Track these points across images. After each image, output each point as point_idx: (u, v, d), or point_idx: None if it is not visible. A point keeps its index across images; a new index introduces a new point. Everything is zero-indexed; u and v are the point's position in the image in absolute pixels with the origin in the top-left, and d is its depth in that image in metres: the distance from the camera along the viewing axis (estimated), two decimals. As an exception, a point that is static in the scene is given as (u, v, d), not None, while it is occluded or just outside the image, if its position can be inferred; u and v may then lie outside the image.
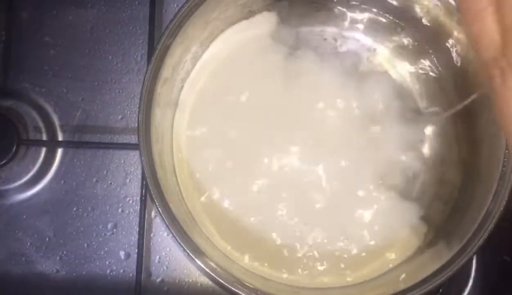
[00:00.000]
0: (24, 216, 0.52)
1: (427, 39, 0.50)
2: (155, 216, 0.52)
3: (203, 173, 0.49)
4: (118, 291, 0.51)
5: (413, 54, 0.51)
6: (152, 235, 0.52)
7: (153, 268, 0.52)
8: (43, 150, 0.53)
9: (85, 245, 0.52)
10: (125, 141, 0.53)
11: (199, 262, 0.41)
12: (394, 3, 0.49)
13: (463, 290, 0.51)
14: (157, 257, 0.52)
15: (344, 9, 0.51)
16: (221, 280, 0.41)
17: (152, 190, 0.42)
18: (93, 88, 0.54)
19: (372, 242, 0.48)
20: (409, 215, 0.48)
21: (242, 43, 0.51)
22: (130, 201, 0.52)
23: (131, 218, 0.52)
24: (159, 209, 0.42)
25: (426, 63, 0.50)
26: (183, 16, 0.44)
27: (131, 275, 0.51)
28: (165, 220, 0.41)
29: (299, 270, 0.48)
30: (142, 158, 0.42)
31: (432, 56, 0.50)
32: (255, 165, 0.49)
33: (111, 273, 0.52)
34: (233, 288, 0.41)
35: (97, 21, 0.54)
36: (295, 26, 0.51)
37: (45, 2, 0.54)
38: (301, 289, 0.47)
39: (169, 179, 0.47)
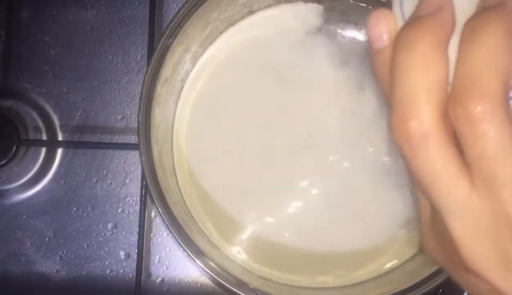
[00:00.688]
0: (24, 216, 0.52)
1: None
2: (155, 216, 0.52)
3: (203, 173, 0.49)
4: (118, 291, 0.51)
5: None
6: (152, 235, 0.52)
7: (153, 268, 0.52)
8: (43, 150, 0.53)
9: (85, 245, 0.52)
10: (125, 141, 0.53)
11: (199, 262, 0.41)
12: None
13: (463, 290, 0.51)
14: (157, 257, 0.52)
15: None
16: (221, 280, 0.41)
17: (152, 190, 0.42)
18: (93, 88, 0.54)
19: (372, 242, 0.48)
20: (410, 215, 0.48)
21: (242, 43, 0.51)
22: (130, 201, 0.52)
23: (131, 218, 0.52)
24: (159, 209, 0.42)
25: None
26: (183, 16, 0.44)
27: (131, 275, 0.51)
28: (165, 220, 0.41)
29: (299, 270, 0.48)
30: (142, 158, 0.42)
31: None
32: (255, 165, 0.49)
33: (111, 273, 0.52)
34: (233, 288, 0.41)
35: (97, 21, 0.54)
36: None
37: (45, 2, 0.54)
38: (301, 289, 0.47)
39: (169, 179, 0.47)
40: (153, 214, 0.52)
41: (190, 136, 0.50)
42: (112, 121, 0.53)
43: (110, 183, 0.53)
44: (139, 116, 0.43)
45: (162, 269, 0.52)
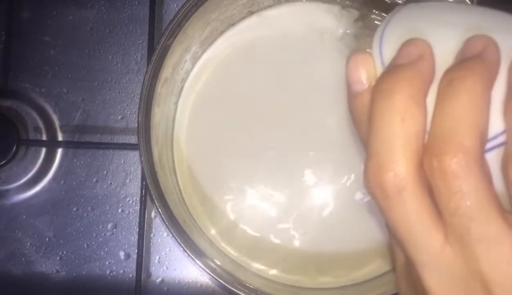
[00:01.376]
0: (24, 216, 0.52)
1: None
2: (155, 216, 0.52)
3: (203, 173, 0.49)
4: (118, 291, 0.51)
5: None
6: (152, 235, 0.52)
7: (153, 268, 0.52)
8: (43, 150, 0.53)
9: (85, 245, 0.52)
10: (125, 142, 0.53)
11: (199, 263, 0.41)
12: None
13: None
14: (157, 257, 0.52)
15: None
16: (221, 280, 0.41)
17: (152, 190, 0.42)
18: (93, 88, 0.54)
19: (372, 242, 0.48)
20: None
21: (242, 43, 0.51)
22: (130, 201, 0.52)
23: (131, 218, 0.52)
24: (159, 209, 0.42)
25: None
26: (183, 16, 0.44)
27: (131, 275, 0.51)
28: (165, 220, 0.41)
29: (299, 270, 0.48)
30: (142, 158, 0.42)
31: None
32: (255, 165, 0.49)
33: (111, 273, 0.52)
34: (233, 288, 0.41)
35: (97, 21, 0.54)
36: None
37: (45, 2, 0.54)
38: (301, 289, 0.47)
39: (169, 179, 0.47)
40: (153, 214, 0.52)
41: (190, 136, 0.50)
42: (112, 121, 0.53)
43: (110, 183, 0.53)
44: (139, 116, 0.43)
45: (162, 269, 0.52)
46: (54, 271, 0.52)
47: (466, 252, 0.24)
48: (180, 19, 0.44)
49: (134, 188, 0.52)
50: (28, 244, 0.52)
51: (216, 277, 0.41)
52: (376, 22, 0.37)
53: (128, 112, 0.53)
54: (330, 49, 0.50)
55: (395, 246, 0.28)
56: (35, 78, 0.54)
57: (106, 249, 0.52)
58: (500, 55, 0.25)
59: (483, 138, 0.24)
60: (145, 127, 0.43)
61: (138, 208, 0.51)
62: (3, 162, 0.50)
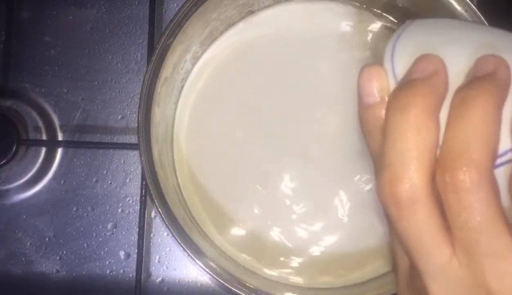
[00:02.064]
0: (24, 216, 0.52)
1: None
2: (155, 216, 0.52)
3: (203, 172, 0.49)
4: (118, 291, 0.51)
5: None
6: (152, 235, 0.52)
7: (153, 268, 0.52)
8: (43, 150, 0.53)
9: (85, 245, 0.52)
10: (125, 141, 0.53)
11: (199, 263, 0.41)
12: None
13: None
14: (157, 257, 0.52)
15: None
16: (221, 280, 0.41)
17: (152, 190, 0.42)
18: (93, 88, 0.54)
19: (372, 242, 0.48)
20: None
21: (242, 43, 0.51)
22: (130, 201, 0.52)
23: (131, 218, 0.52)
24: (159, 209, 0.42)
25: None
26: (183, 16, 0.44)
27: (131, 275, 0.51)
28: (165, 220, 0.41)
29: (299, 270, 0.48)
30: (142, 158, 0.42)
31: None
32: (255, 165, 0.49)
33: (111, 273, 0.52)
34: (233, 288, 0.41)
35: (97, 21, 0.54)
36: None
37: (45, 2, 0.54)
38: (301, 289, 0.47)
39: (169, 179, 0.47)
40: (153, 214, 0.52)
41: (190, 136, 0.50)
42: (112, 121, 0.53)
43: (110, 183, 0.53)
44: (139, 116, 0.43)
45: (162, 269, 0.52)
46: (54, 271, 0.52)
47: (473, 265, 0.25)
48: (180, 19, 0.44)
49: (134, 188, 0.52)
50: (28, 244, 0.52)
51: (216, 277, 0.41)
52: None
53: (128, 112, 0.53)
54: (330, 48, 0.50)
55: (397, 251, 0.29)
56: (35, 78, 0.54)
57: (106, 249, 0.52)
58: (511, 75, 0.26)
59: (494, 155, 0.25)
60: (145, 127, 0.43)
61: (138, 207, 0.51)
62: (3, 161, 0.50)
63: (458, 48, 0.28)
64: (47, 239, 0.52)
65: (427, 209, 0.25)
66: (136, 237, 0.50)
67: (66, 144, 0.53)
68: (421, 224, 0.25)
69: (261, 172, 0.49)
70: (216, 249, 0.47)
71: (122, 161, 0.53)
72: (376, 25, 0.51)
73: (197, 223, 0.48)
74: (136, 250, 0.50)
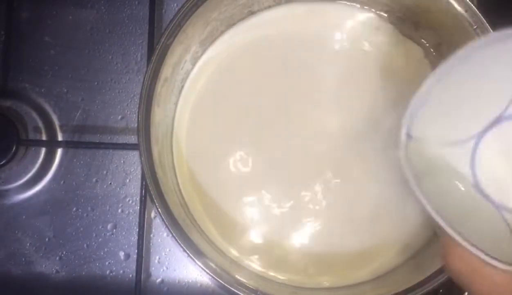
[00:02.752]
0: (24, 216, 0.52)
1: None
2: (155, 216, 0.52)
3: (203, 172, 0.49)
4: (118, 292, 0.51)
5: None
6: (152, 235, 0.52)
7: (153, 268, 0.52)
8: (43, 150, 0.53)
9: (85, 245, 0.52)
10: (125, 142, 0.53)
11: (199, 263, 0.41)
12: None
13: (463, 290, 0.51)
14: (157, 257, 0.52)
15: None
16: (221, 281, 0.41)
17: (152, 190, 0.42)
18: (93, 88, 0.54)
19: (372, 242, 0.48)
20: (410, 215, 0.48)
21: (242, 43, 0.51)
22: (130, 201, 0.52)
23: (131, 218, 0.52)
24: (159, 209, 0.42)
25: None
26: (183, 16, 0.44)
27: (130, 275, 0.51)
28: (165, 220, 0.41)
29: (299, 270, 0.48)
30: (142, 158, 0.42)
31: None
32: (256, 165, 0.49)
33: (111, 274, 0.52)
34: (233, 289, 0.41)
35: (97, 21, 0.54)
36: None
37: (45, 2, 0.54)
38: (301, 289, 0.47)
39: (169, 179, 0.47)
40: (153, 214, 0.52)
41: (190, 136, 0.50)
42: (112, 121, 0.53)
43: (110, 183, 0.53)
44: (139, 116, 0.42)
45: (162, 270, 0.52)
46: (54, 271, 0.52)
47: None
48: (180, 19, 0.44)
49: (134, 188, 0.52)
50: (28, 244, 0.52)
51: (216, 277, 0.41)
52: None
53: (128, 112, 0.53)
54: (330, 49, 0.50)
55: None
56: (35, 78, 0.54)
57: (106, 249, 0.52)
58: None
59: None
60: (145, 127, 0.43)
61: (138, 208, 0.51)
62: (3, 162, 0.50)
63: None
64: (47, 239, 0.52)
65: None
66: (136, 237, 0.50)
67: (66, 144, 0.53)
68: None
69: (261, 171, 0.49)
70: (216, 249, 0.47)
71: (122, 161, 0.53)
72: (377, 25, 0.51)
73: (197, 223, 0.48)
74: (136, 251, 0.50)
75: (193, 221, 0.48)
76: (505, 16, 0.52)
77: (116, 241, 0.52)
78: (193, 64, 0.50)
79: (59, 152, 0.53)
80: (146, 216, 0.51)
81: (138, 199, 0.52)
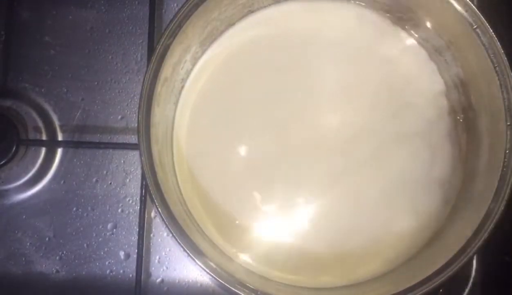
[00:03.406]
0: (24, 216, 0.52)
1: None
2: (155, 216, 0.52)
3: (203, 172, 0.49)
4: (118, 291, 0.51)
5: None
6: (152, 235, 0.52)
7: (153, 268, 0.52)
8: (43, 150, 0.53)
9: (85, 245, 0.52)
10: (125, 141, 0.53)
11: (199, 263, 0.41)
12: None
13: (463, 290, 0.51)
14: (157, 257, 0.52)
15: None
16: (221, 280, 0.41)
17: (152, 190, 0.42)
18: (93, 88, 0.54)
19: (372, 242, 0.48)
20: (409, 215, 0.48)
21: (242, 43, 0.51)
22: (130, 201, 0.52)
23: (131, 218, 0.52)
24: (159, 209, 0.42)
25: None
26: (183, 16, 0.44)
27: (131, 275, 0.51)
28: (165, 220, 0.41)
29: (299, 270, 0.48)
30: (142, 158, 0.42)
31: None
32: (256, 165, 0.49)
33: (111, 273, 0.52)
34: (233, 288, 0.41)
35: (97, 21, 0.54)
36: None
37: (45, 2, 0.54)
38: (301, 289, 0.47)
39: (169, 179, 0.47)
40: (153, 214, 0.52)
41: (190, 136, 0.50)
42: (112, 121, 0.53)
43: (110, 183, 0.53)
44: (139, 116, 0.42)
45: (162, 269, 0.52)
46: (54, 271, 0.52)
47: None
48: (180, 19, 0.44)
49: (134, 188, 0.52)
50: (28, 244, 0.52)
51: (216, 277, 0.41)
52: None
53: (128, 112, 0.53)
54: (330, 47, 0.50)
55: None
56: (35, 78, 0.54)
57: (106, 249, 0.52)
58: None
59: None
60: (145, 127, 0.43)
61: (138, 208, 0.51)
62: (3, 161, 0.50)
63: None
64: (47, 239, 0.52)
65: None
66: (136, 237, 0.50)
67: (66, 144, 0.53)
68: None
69: (261, 171, 0.49)
70: (216, 249, 0.47)
71: (122, 161, 0.53)
72: (377, 24, 0.51)
73: (197, 223, 0.48)
74: (136, 250, 0.50)
75: (193, 221, 0.48)
76: (505, 16, 0.52)
77: (116, 241, 0.52)
78: (193, 64, 0.50)
79: (59, 151, 0.53)
80: (146, 216, 0.51)
81: (138, 199, 0.52)
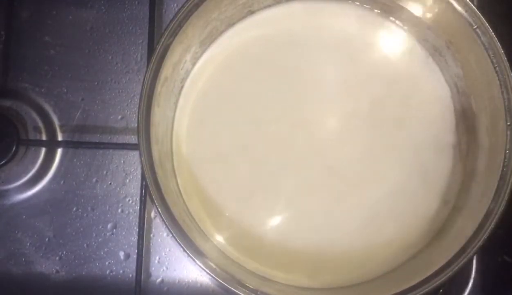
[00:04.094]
0: (24, 216, 0.52)
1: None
2: (155, 216, 0.52)
3: (203, 173, 0.49)
4: (118, 292, 0.51)
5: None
6: (151, 235, 0.52)
7: (153, 268, 0.52)
8: (43, 150, 0.53)
9: (85, 245, 0.52)
10: (125, 142, 0.53)
11: (199, 263, 0.41)
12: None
13: (463, 290, 0.51)
14: (157, 257, 0.52)
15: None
16: (221, 280, 0.41)
17: (152, 190, 0.42)
18: (93, 88, 0.54)
19: (372, 243, 0.48)
20: (409, 215, 0.48)
21: (242, 43, 0.51)
22: (130, 201, 0.52)
23: (130, 218, 0.52)
24: (159, 209, 0.42)
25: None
26: (183, 16, 0.44)
27: (130, 275, 0.51)
28: (165, 220, 0.41)
29: (299, 270, 0.48)
30: (142, 158, 0.42)
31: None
32: (255, 165, 0.49)
33: (111, 274, 0.52)
34: (233, 289, 0.41)
35: (97, 21, 0.54)
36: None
37: (45, 2, 0.54)
38: (301, 289, 0.47)
39: (169, 179, 0.47)
40: (153, 214, 0.52)
41: (190, 136, 0.50)
42: (112, 121, 0.53)
43: (110, 183, 0.53)
44: (139, 116, 0.42)
45: (162, 269, 0.52)
46: (54, 271, 0.52)
47: None
48: (180, 19, 0.44)
49: (134, 188, 0.52)
50: (28, 244, 0.52)
51: (216, 277, 0.41)
52: None
53: (128, 112, 0.53)
54: (330, 48, 0.50)
55: None
56: (35, 78, 0.54)
57: (106, 249, 0.52)
58: None
59: None
60: (145, 127, 0.43)
61: (138, 208, 0.51)
62: (3, 162, 0.50)
63: None
64: (47, 239, 0.52)
65: None
66: (136, 237, 0.50)
67: (66, 144, 0.53)
68: None
69: (261, 171, 0.49)
70: (215, 249, 0.47)
71: (122, 161, 0.53)
72: (377, 25, 0.51)
73: (197, 223, 0.48)
74: (136, 251, 0.50)
75: (192, 221, 0.48)
76: (505, 16, 0.52)
77: (116, 241, 0.52)
78: (193, 64, 0.50)
79: (59, 151, 0.53)
80: (146, 216, 0.51)
81: (138, 199, 0.52)
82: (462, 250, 0.42)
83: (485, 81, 0.44)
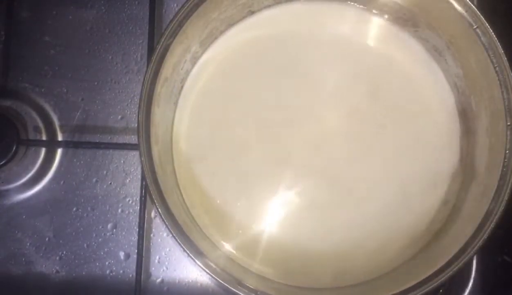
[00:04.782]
0: (24, 216, 0.52)
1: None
2: (155, 216, 0.52)
3: (203, 173, 0.49)
4: (118, 292, 0.51)
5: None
6: (152, 235, 0.52)
7: (153, 268, 0.52)
8: (43, 150, 0.53)
9: (85, 245, 0.52)
10: (125, 142, 0.53)
11: (199, 263, 0.41)
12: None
13: (463, 290, 0.51)
14: (157, 257, 0.52)
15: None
16: (221, 280, 0.41)
17: (152, 190, 0.42)
18: (93, 88, 0.54)
19: (372, 243, 0.48)
20: (409, 216, 0.48)
21: (242, 43, 0.51)
22: (130, 201, 0.52)
23: (130, 218, 0.52)
24: (159, 209, 0.42)
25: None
26: (183, 16, 0.44)
27: (131, 275, 0.51)
28: (165, 220, 0.41)
29: (300, 270, 0.48)
30: (142, 158, 0.42)
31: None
32: (256, 165, 0.49)
33: (111, 274, 0.52)
34: (233, 289, 0.41)
35: (97, 21, 0.54)
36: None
37: (45, 2, 0.54)
38: (301, 289, 0.47)
39: (169, 179, 0.47)
40: (153, 214, 0.52)
41: (190, 136, 0.50)
42: (112, 121, 0.53)
43: (110, 183, 0.53)
44: (139, 116, 0.42)
45: (162, 269, 0.52)
46: (54, 271, 0.52)
47: None
48: (180, 19, 0.44)
49: (134, 188, 0.52)
50: (28, 244, 0.52)
51: (216, 277, 0.41)
52: None
53: (128, 112, 0.53)
54: (330, 48, 0.50)
55: None
56: (35, 78, 0.54)
57: (106, 249, 0.52)
58: None
59: None
60: (145, 127, 0.43)
61: (138, 208, 0.51)
62: (3, 162, 0.50)
63: None
64: (47, 239, 0.52)
65: None
66: (136, 237, 0.50)
67: (66, 144, 0.53)
68: None
69: (261, 172, 0.49)
70: (215, 249, 0.47)
71: (122, 161, 0.53)
72: (377, 25, 0.51)
73: (197, 223, 0.48)
74: (136, 251, 0.50)
75: (192, 221, 0.48)
76: (505, 16, 0.52)
77: (116, 241, 0.52)
78: (193, 64, 0.50)
79: (59, 152, 0.53)
80: (146, 216, 0.51)
81: (138, 199, 0.52)
82: (462, 250, 0.42)
83: (485, 81, 0.44)
